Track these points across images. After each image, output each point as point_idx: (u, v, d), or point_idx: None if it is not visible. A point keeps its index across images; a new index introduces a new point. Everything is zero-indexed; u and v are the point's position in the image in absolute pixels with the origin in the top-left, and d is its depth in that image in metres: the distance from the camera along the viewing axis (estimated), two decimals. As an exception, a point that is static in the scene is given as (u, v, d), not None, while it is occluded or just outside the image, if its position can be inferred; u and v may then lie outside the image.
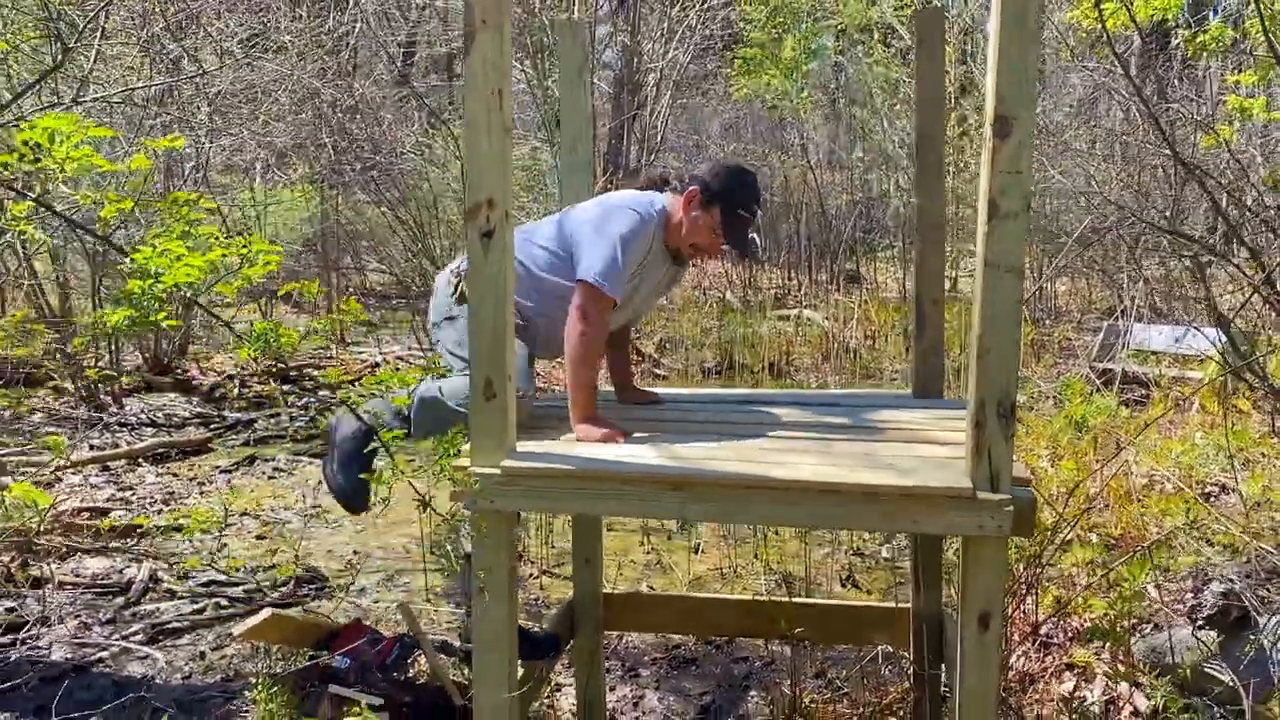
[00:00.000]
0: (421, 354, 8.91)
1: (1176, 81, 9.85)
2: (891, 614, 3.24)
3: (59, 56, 3.77)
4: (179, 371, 8.36)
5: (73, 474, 5.83)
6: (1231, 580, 2.93)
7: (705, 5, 10.52)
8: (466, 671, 3.42)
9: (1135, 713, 3.12)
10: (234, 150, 9.30)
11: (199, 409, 7.56)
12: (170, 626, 4.00)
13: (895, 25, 12.88)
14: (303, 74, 9.10)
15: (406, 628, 3.35)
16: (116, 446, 6.46)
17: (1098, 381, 6.99)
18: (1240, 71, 5.84)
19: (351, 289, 12.05)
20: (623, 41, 10.48)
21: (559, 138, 3.45)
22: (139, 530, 4.91)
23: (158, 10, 6.99)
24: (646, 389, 3.18)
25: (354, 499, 2.67)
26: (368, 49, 13.62)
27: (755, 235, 2.78)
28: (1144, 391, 6.81)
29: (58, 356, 7.19)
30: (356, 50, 12.92)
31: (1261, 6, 2.98)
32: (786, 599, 3.58)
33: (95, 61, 5.33)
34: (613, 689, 3.65)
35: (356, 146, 9.67)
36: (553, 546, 4.86)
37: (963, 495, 2.01)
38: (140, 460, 6.23)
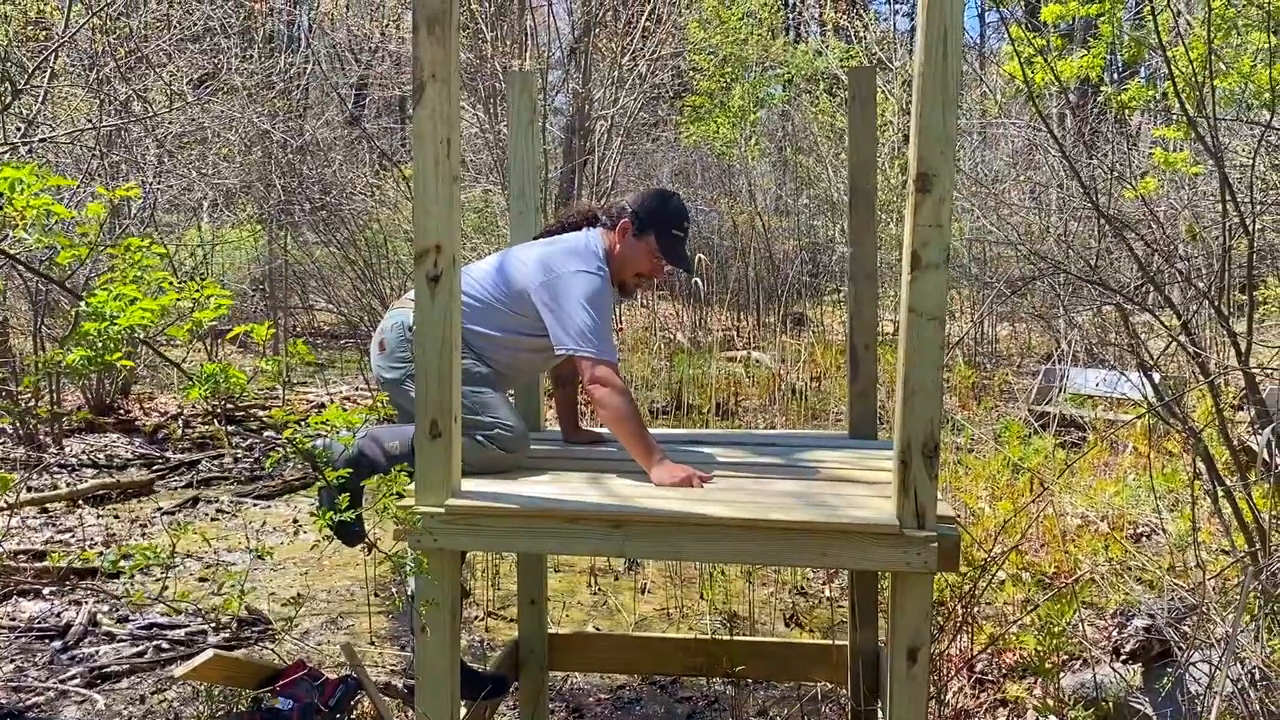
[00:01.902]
0: (369, 393, 8.88)
1: (1110, 134, 10.22)
2: (831, 651, 3.32)
3: (8, 98, 3.79)
4: (122, 412, 8.25)
5: (9, 516, 5.73)
6: (1153, 616, 3.05)
7: (655, 55, 10.73)
8: (410, 713, 3.43)
9: (1065, 746, 3.21)
10: (182, 190, 9.27)
11: (142, 450, 7.47)
12: (109, 670, 3.95)
13: (841, 76, 13.22)
14: (253, 115, 9.13)
15: (350, 669, 3.35)
16: (56, 488, 6.37)
17: (1036, 424, 7.17)
18: (1168, 126, 6.11)
19: (299, 329, 12.00)
20: (574, 88, 10.65)
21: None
22: (76, 572, 4.84)
23: (107, 51, 6.99)
24: (591, 429, 3.24)
25: (348, 529, 2.66)
26: (319, 90, 13.67)
27: (690, 253, 2.92)
28: (1081, 434, 7.00)
29: (-3, 396, 7.09)
30: (308, 91, 12.96)
31: (1174, 70, 3.17)
32: (730, 638, 3.64)
33: (43, 102, 5.33)
34: (557, 729, 3.67)
35: (306, 187, 9.69)
36: (499, 588, 4.88)
37: (889, 532, 2.10)
38: (80, 502, 6.15)
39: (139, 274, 1.61)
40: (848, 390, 3.16)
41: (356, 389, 9.34)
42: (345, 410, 2.34)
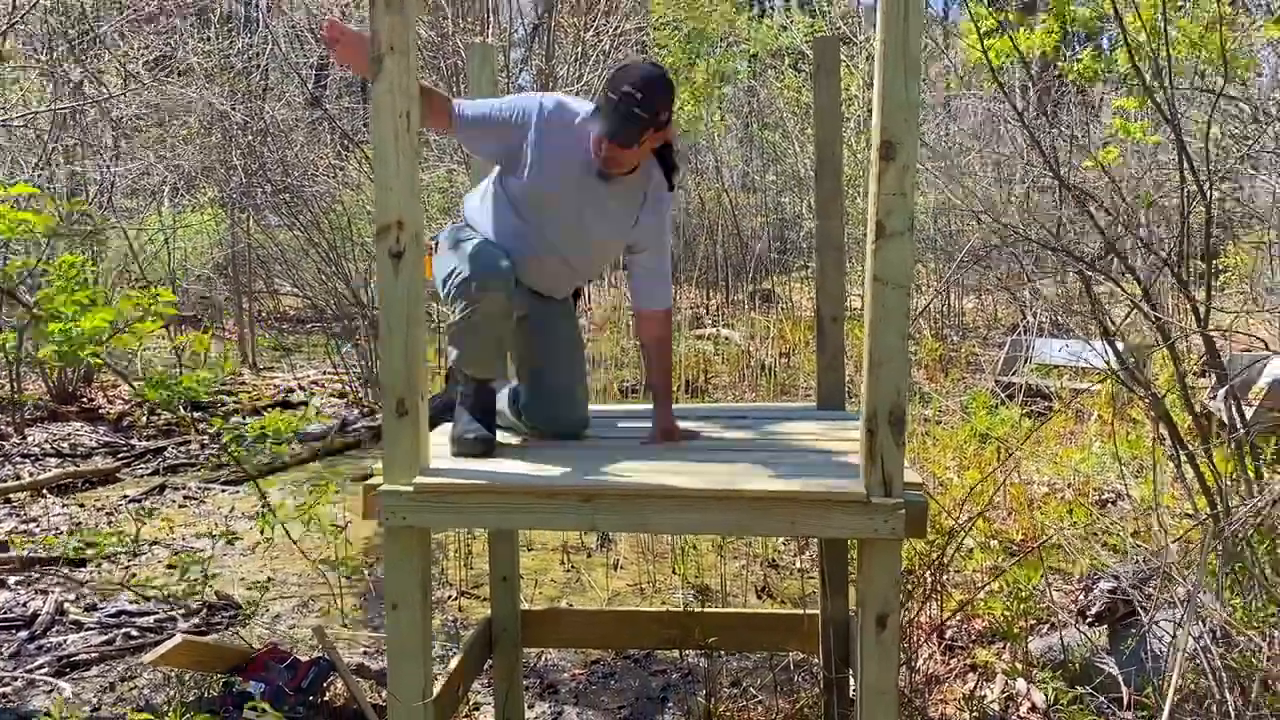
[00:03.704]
0: (336, 377, 8.82)
1: (1071, 106, 10.29)
2: (802, 621, 3.34)
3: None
4: (85, 400, 8.15)
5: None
6: (1118, 579, 3.10)
7: (618, 30, 10.66)
8: (383, 694, 3.42)
9: (1033, 708, 3.26)
10: (141, 174, 9.12)
11: (106, 438, 7.38)
12: (78, 659, 3.91)
13: (805, 51, 13.21)
14: (211, 96, 8.99)
15: (322, 651, 3.34)
16: (19, 478, 6.28)
17: (1002, 394, 7.24)
18: (1127, 96, 6.15)
19: (264, 313, 11.88)
20: (537, 65, 10.57)
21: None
22: (40, 560, 4.78)
23: (58, 32, 6.85)
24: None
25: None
26: (279, 71, 13.47)
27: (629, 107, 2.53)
28: (1046, 403, 7.08)
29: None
30: (267, 72, 12.77)
31: (1128, 40, 3.19)
32: (702, 610, 3.66)
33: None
34: (531, 706, 3.68)
35: (267, 169, 9.57)
36: (471, 568, 4.87)
37: (857, 500, 2.11)
38: (44, 491, 6.06)
39: (78, 284, 1.60)
40: (816, 362, 3.17)
41: (324, 373, 9.27)
42: (310, 393, 2.32)
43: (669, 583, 4.75)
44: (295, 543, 3.80)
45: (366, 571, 4.82)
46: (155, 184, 9.95)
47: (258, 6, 16.90)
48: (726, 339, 9.90)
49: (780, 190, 13.70)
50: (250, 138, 9.58)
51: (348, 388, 8.52)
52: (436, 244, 2.81)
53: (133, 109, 8.30)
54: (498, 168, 2.79)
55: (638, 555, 5.06)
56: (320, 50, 12.61)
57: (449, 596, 4.64)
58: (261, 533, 2.04)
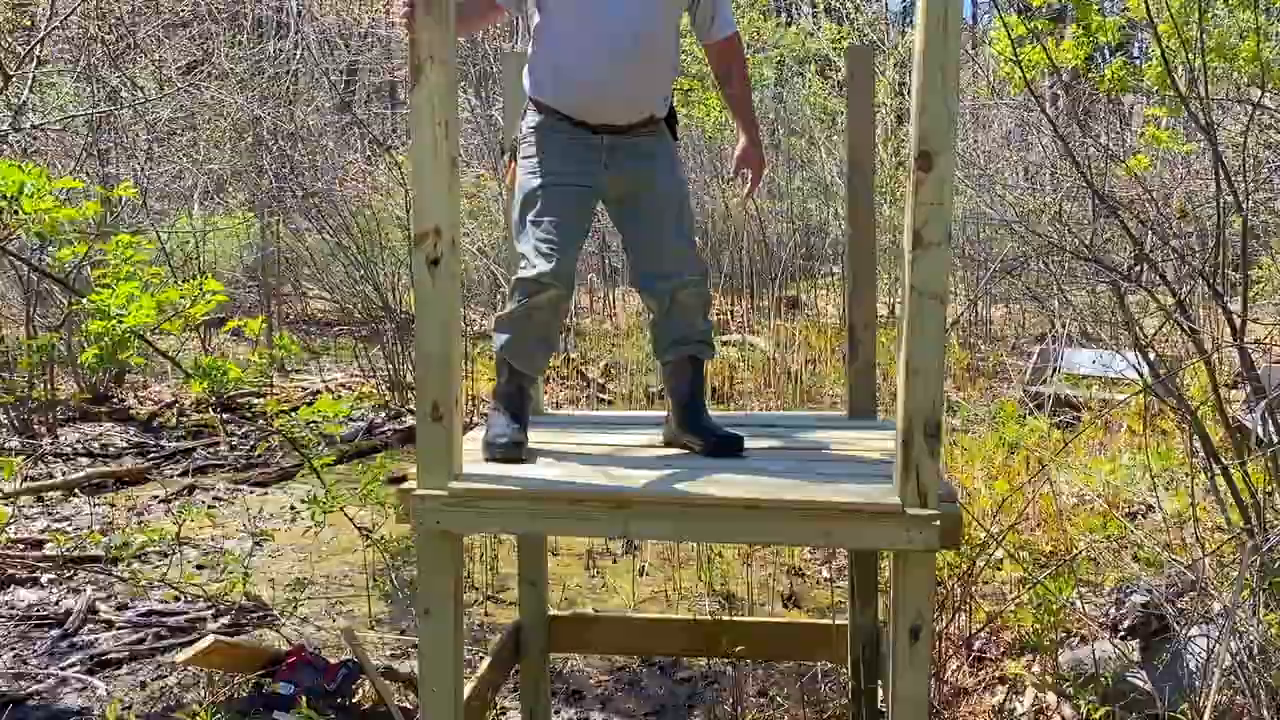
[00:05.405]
0: (363, 380, 8.87)
1: (1103, 114, 10.20)
2: (831, 631, 3.33)
3: (-1, 84, 3.76)
4: (115, 400, 8.23)
5: (4, 505, 5.71)
6: (1150, 593, 3.07)
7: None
8: (412, 696, 3.44)
9: (1063, 722, 3.24)
10: (174, 177, 9.22)
11: (136, 438, 7.45)
12: (110, 657, 3.95)
13: (833, 57, 13.19)
14: (243, 100, 9.08)
15: (351, 653, 3.36)
16: (51, 477, 6.35)
17: (1031, 404, 7.19)
18: (1161, 105, 6.10)
19: (293, 316, 11.96)
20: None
21: (503, 166, 3.51)
22: (74, 560, 4.84)
23: (95, 37, 6.94)
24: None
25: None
26: (309, 76, 13.59)
27: None
28: (1075, 413, 7.02)
29: (-10, 385, 7.06)
30: (298, 77, 12.90)
31: (1164, 49, 3.16)
32: (729, 618, 3.66)
33: (31, 89, 5.29)
34: (557, 712, 3.68)
35: (298, 173, 9.65)
36: (497, 572, 4.89)
37: (892, 511, 2.11)
38: (76, 491, 6.13)
39: (132, 270, 1.61)
40: (846, 370, 3.16)
41: (351, 376, 9.32)
42: (338, 395, 2.35)
43: (694, 590, 4.74)
44: (351, 520, 3.81)
45: (393, 575, 4.84)
46: (187, 187, 10.06)
47: (289, 12, 17.04)
48: (752, 346, 9.88)
49: (806, 197, 13.67)
50: (281, 142, 9.67)
51: (375, 390, 8.57)
52: (515, 153, 2.79)
53: (167, 113, 8.40)
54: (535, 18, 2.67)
55: (662, 561, 5.06)
56: (351, 55, 12.72)
57: (475, 600, 4.66)
58: (312, 518, 2.09)
